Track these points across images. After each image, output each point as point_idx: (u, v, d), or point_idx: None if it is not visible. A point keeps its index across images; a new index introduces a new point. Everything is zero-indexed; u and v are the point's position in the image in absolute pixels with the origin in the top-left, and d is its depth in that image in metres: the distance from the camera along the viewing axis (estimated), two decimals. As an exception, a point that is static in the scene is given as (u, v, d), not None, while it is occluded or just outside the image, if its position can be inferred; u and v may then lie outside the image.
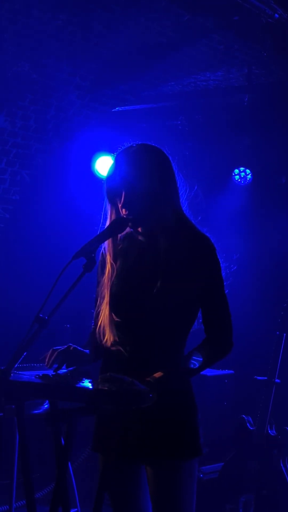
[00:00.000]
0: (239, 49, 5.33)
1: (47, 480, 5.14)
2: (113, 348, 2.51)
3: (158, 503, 2.44)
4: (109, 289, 2.51)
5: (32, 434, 2.49)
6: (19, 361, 2.30)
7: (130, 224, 2.49)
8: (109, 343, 2.50)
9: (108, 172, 2.54)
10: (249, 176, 6.28)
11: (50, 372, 2.40)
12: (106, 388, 2.18)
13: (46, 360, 2.46)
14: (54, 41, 5.04)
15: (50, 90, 5.57)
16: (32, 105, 5.65)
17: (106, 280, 2.53)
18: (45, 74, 5.37)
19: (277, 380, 4.90)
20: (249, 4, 4.50)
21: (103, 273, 2.55)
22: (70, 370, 2.47)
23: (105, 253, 2.56)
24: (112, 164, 2.54)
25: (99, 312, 2.53)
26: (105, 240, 2.51)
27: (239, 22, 4.78)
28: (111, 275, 2.52)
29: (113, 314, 2.50)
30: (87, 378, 2.36)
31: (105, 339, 2.51)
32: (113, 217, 2.54)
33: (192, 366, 2.45)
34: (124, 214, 2.49)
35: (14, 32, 4.87)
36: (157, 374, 2.35)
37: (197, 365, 2.46)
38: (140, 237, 2.54)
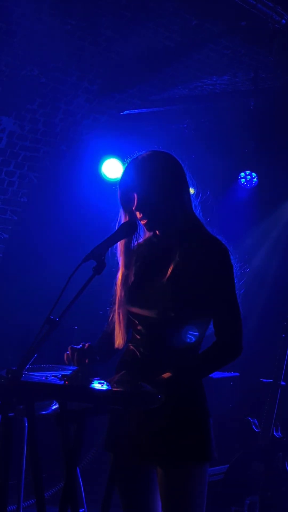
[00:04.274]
0: (246, 54, 5.35)
1: (54, 480, 5.17)
2: (130, 348, 2.55)
3: (168, 506, 2.45)
4: (121, 292, 2.54)
5: (40, 434, 2.52)
6: (30, 362, 2.33)
7: (146, 227, 2.53)
8: (120, 347, 2.55)
9: (120, 179, 2.58)
10: (255, 180, 6.30)
11: (59, 374, 2.42)
12: (114, 389, 2.21)
13: (65, 358, 2.50)
14: (63, 45, 5.08)
15: (58, 94, 5.60)
16: (41, 109, 5.69)
17: (118, 284, 2.56)
18: (53, 78, 5.41)
19: (282, 383, 4.92)
20: (256, 10, 4.52)
21: (116, 276, 2.59)
22: (74, 370, 2.49)
23: (118, 260, 2.59)
24: (123, 172, 2.57)
25: (113, 315, 2.58)
26: (115, 243, 2.53)
27: (246, 27, 4.81)
28: (125, 279, 2.55)
29: (124, 317, 2.54)
30: (96, 378, 2.38)
31: (117, 342, 2.56)
32: (125, 220, 2.58)
33: (200, 369, 2.47)
34: (139, 218, 2.53)
35: (24, 36, 4.91)
36: (165, 375, 2.38)
37: (206, 368, 2.49)
38: (156, 240, 2.57)
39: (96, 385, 2.28)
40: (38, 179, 6.28)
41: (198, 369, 2.46)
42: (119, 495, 2.52)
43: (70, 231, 6.32)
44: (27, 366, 2.32)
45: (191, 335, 2.49)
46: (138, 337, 2.52)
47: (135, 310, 2.52)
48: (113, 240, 2.52)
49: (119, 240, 2.54)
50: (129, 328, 2.58)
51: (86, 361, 2.47)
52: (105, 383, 2.30)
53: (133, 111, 6.37)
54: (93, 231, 2.94)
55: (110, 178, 6.19)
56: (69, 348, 2.50)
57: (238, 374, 5.81)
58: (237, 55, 5.39)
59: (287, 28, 4.80)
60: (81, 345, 2.52)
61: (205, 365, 2.47)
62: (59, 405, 2.42)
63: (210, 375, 2.71)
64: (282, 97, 6.02)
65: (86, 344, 2.52)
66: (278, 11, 4.63)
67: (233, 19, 4.76)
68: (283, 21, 4.69)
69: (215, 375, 5.50)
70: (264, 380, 5.02)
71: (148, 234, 2.60)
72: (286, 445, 4.76)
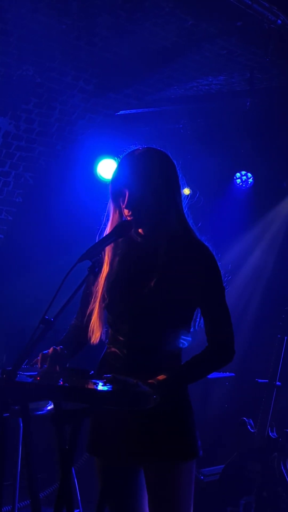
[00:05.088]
0: (242, 54, 5.35)
1: (49, 481, 5.17)
2: (110, 350, 2.54)
3: (156, 505, 2.45)
4: (104, 289, 2.54)
5: (35, 435, 2.52)
6: (25, 362, 2.33)
7: (134, 225, 2.52)
8: (96, 341, 2.54)
9: (113, 173, 2.57)
10: (250, 180, 6.31)
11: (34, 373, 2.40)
12: (110, 389, 2.21)
13: (39, 364, 2.46)
14: (59, 45, 5.07)
15: (54, 94, 5.60)
16: (36, 109, 5.68)
17: (101, 279, 2.55)
18: (49, 78, 5.40)
19: (278, 383, 4.92)
20: (252, 10, 4.52)
21: (100, 272, 2.57)
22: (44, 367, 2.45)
23: (103, 253, 2.58)
24: (118, 166, 2.56)
25: (92, 310, 2.56)
26: (110, 243, 2.52)
27: (242, 27, 4.81)
28: (108, 275, 2.55)
29: (104, 313, 2.53)
30: (90, 379, 2.37)
31: (94, 337, 2.54)
32: (116, 218, 2.56)
33: (193, 372, 2.47)
34: (127, 216, 2.51)
35: (19, 36, 4.90)
36: (160, 377, 2.37)
37: (199, 371, 2.49)
38: (139, 239, 2.56)
39: (91, 385, 2.28)
40: (34, 179, 6.28)
41: (191, 372, 2.46)
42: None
43: (65, 231, 6.32)
44: (22, 366, 2.32)
45: (177, 338, 2.48)
46: (120, 338, 2.51)
47: (119, 309, 2.51)
48: (108, 240, 2.50)
49: (114, 240, 2.53)
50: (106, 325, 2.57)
51: (57, 368, 2.42)
52: (99, 382, 2.29)
53: (129, 111, 6.37)
54: (88, 231, 2.92)
55: (105, 179, 6.19)
56: (40, 354, 2.46)
57: (233, 374, 5.82)
58: (233, 55, 5.39)
59: (283, 29, 4.80)
60: (53, 350, 2.46)
61: (198, 368, 2.47)
62: (54, 405, 2.41)
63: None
64: (277, 97, 6.03)
65: (58, 348, 2.48)
66: (273, 11, 4.62)
67: (229, 19, 4.76)
68: (279, 21, 4.69)
69: (211, 375, 5.48)
70: (260, 380, 5.03)
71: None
72: (281, 446, 4.77)
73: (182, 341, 2.50)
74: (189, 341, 2.49)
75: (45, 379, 2.35)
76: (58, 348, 2.48)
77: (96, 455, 2.57)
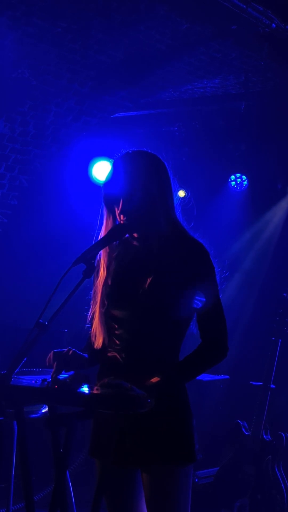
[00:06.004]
0: (237, 57, 5.37)
1: (44, 483, 5.17)
2: (109, 354, 2.54)
3: (153, 508, 2.46)
4: (102, 293, 2.54)
5: (29, 438, 2.52)
6: (20, 366, 2.33)
7: (128, 230, 2.53)
8: (100, 346, 2.54)
9: (106, 178, 2.58)
10: (245, 182, 6.32)
11: (49, 378, 2.42)
12: (104, 393, 2.21)
13: (47, 361, 2.49)
14: (54, 48, 5.08)
15: (49, 96, 5.60)
16: (32, 111, 5.69)
17: (99, 284, 2.55)
18: (44, 80, 5.41)
19: (272, 386, 4.93)
20: (247, 14, 4.54)
21: (97, 276, 2.57)
22: (71, 374, 2.49)
23: (99, 257, 2.58)
24: (110, 171, 2.57)
25: (93, 315, 2.56)
26: (105, 246, 2.53)
27: (237, 31, 4.83)
28: (105, 279, 2.55)
29: (104, 316, 2.53)
30: (86, 383, 2.38)
31: (97, 342, 2.54)
32: (110, 222, 2.56)
33: (188, 371, 2.47)
34: (121, 220, 2.52)
35: (15, 39, 4.90)
36: (154, 379, 2.38)
37: (193, 370, 2.49)
38: (135, 242, 2.57)
39: (85, 389, 2.28)
40: (29, 182, 6.28)
41: (186, 371, 2.46)
42: (104, 498, 2.52)
43: (60, 234, 6.32)
44: (17, 370, 2.32)
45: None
46: (117, 342, 2.51)
47: (116, 313, 2.51)
48: (103, 244, 2.51)
49: (109, 244, 2.54)
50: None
51: (63, 371, 2.43)
52: (94, 386, 2.30)
53: (124, 114, 6.38)
54: (83, 234, 2.93)
55: (100, 181, 6.19)
56: (52, 352, 2.48)
57: (228, 377, 5.82)
58: (228, 59, 5.40)
59: (277, 32, 4.83)
60: (65, 350, 2.50)
61: (192, 367, 2.47)
62: (48, 409, 2.41)
63: (200, 378, 2.72)
64: (272, 100, 6.05)
65: (71, 350, 2.50)
66: (268, 15, 4.65)
67: (223, 23, 4.78)
68: (273, 25, 4.71)
69: (205, 378, 5.51)
70: (254, 383, 5.04)
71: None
72: (275, 448, 4.77)
73: (196, 301, 2.49)
74: (203, 301, 2.48)
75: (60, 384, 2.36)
76: (71, 350, 2.49)
77: (95, 457, 2.57)
